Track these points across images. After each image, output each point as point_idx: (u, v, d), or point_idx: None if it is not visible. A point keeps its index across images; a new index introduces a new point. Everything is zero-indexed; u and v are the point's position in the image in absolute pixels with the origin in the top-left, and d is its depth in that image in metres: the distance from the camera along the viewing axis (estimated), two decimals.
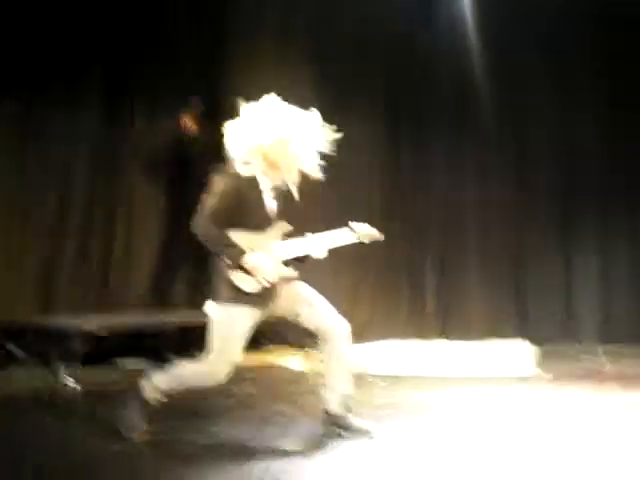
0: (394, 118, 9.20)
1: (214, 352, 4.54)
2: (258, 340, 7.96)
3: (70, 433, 4.90)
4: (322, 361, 4.75)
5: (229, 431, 4.92)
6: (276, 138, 4.56)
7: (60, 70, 7.64)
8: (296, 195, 4.69)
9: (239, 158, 4.58)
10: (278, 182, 4.66)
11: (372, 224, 4.92)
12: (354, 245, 4.87)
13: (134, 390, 4.71)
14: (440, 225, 9.32)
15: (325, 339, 4.66)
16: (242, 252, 4.50)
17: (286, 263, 4.69)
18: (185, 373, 4.67)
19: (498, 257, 9.30)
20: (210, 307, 4.61)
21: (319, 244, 4.71)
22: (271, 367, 7.31)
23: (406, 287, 9.20)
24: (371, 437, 4.68)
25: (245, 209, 4.55)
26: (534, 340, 8.66)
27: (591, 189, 9.29)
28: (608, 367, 7.42)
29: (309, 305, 4.68)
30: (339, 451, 4.48)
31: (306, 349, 7.63)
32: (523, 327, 9.08)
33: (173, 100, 8.13)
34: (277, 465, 4.20)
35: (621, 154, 9.15)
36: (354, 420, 4.76)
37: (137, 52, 8.03)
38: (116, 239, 8.05)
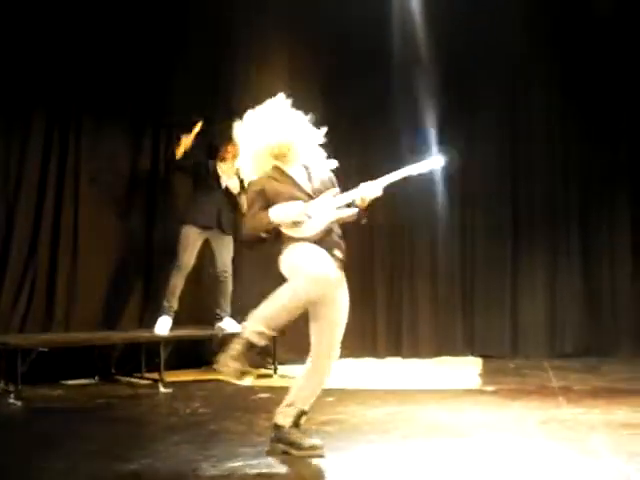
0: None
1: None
2: (206, 357, 7.98)
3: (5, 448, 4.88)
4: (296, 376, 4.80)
5: (174, 449, 4.90)
6: (281, 134, 4.67)
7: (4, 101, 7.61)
8: (329, 165, 4.80)
9: (254, 159, 4.69)
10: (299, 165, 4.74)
11: None
12: None
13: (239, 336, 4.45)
14: (390, 243, 9.37)
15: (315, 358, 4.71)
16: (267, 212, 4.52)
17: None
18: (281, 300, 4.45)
19: (446, 275, 9.37)
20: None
21: (372, 185, 4.61)
22: (218, 383, 7.29)
23: (358, 305, 9.19)
24: (319, 455, 4.67)
25: (284, 197, 4.58)
26: (481, 356, 8.77)
27: (538, 206, 9.41)
28: (554, 381, 7.51)
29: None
30: (286, 468, 4.49)
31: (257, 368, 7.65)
32: (471, 343, 9.17)
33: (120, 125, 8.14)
34: None
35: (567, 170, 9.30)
36: (302, 437, 4.74)
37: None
38: (61, 264, 7.93)
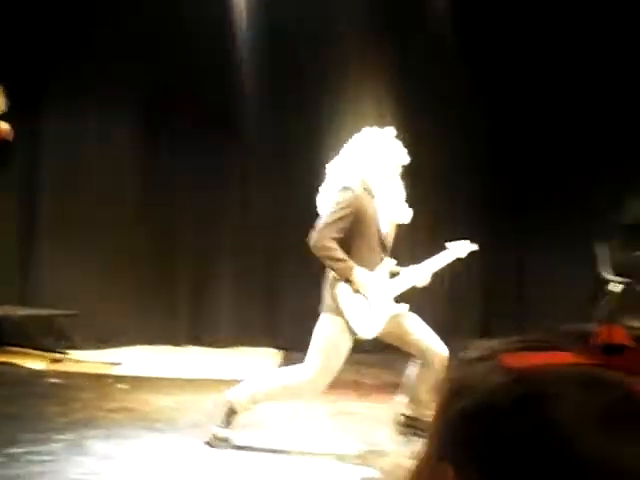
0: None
1: (319, 366, 4.86)
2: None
3: None
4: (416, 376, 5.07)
5: None
6: (380, 163, 4.98)
7: None
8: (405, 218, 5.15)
9: (356, 179, 4.95)
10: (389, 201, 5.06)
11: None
12: None
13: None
14: (194, 228, 9.34)
15: (427, 363, 4.98)
16: (352, 267, 4.79)
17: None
18: (278, 386, 4.96)
19: (250, 266, 9.44)
20: (323, 320, 4.97)
21: (422, 272, 5.09)
22: (11, 366, 7.14)
23: (158, 292, 9.17)
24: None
25: (360, 227, 4.90)
26: (282, 347, 8.91)
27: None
28: (349, 375, 7.73)
29: (414, 331, 5.04)
30: (68, 455, 4.48)
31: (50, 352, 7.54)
32: (272, 335, 9.29)
33: None
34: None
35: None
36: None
37: None
38: None
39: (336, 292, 4.88)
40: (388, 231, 5.07)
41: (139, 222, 8.98)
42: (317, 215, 5.09)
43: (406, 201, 5.17)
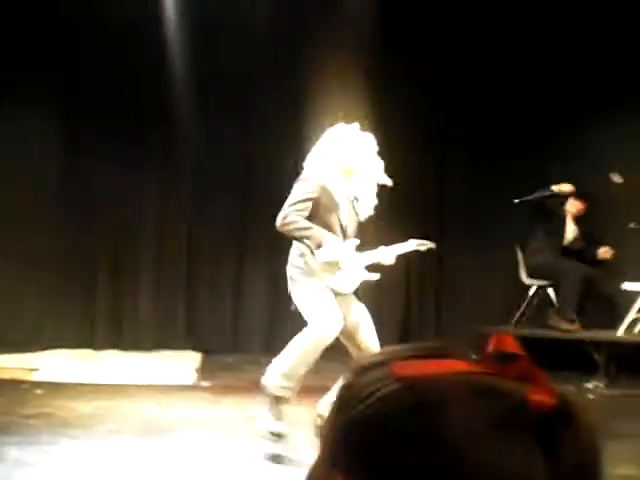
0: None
1: (316, 315, 5.01)
2: None
3: None
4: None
5: None
6: (354, 158, 5.29)
7: None
8: (364, 215, 5.42)
9: (322, 171, 5.24)
10: (352, 195, 5.37)
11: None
12: None
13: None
14: (113, 232, 9.25)
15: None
16: (323, 233, 5.09)
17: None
18: (299, 352, 5.03)
19: (170, 268, 9.40)
20: (295, 292, 5.20)
21: (388, 252, 5.45)
22: None
23: (76, 295, 9.06)
24: None
25: (320, 215, 5.18)
26: (202, 350, 8.89)
27: (266, 202, 9.62)
28: None
29: (358, 326, 5.26)
30: None
31: None
32: (192, 337, 9.26)
33: None
34: None
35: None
36: None
37: None
38: None
39: (307, 259, 5.18)
40: (349, 223, 5.34)
41: (56, 224, 8.86)
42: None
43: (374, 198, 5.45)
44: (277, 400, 5.02)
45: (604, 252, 8.51)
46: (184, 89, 9.06)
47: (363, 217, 5.43)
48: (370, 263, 5.43)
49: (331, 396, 5.19)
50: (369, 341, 5.24)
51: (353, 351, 5.25)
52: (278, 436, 4.96)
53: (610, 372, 8.08)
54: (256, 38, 9.07)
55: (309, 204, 5.14)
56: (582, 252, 8.64)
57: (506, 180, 8.92)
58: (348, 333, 5.21)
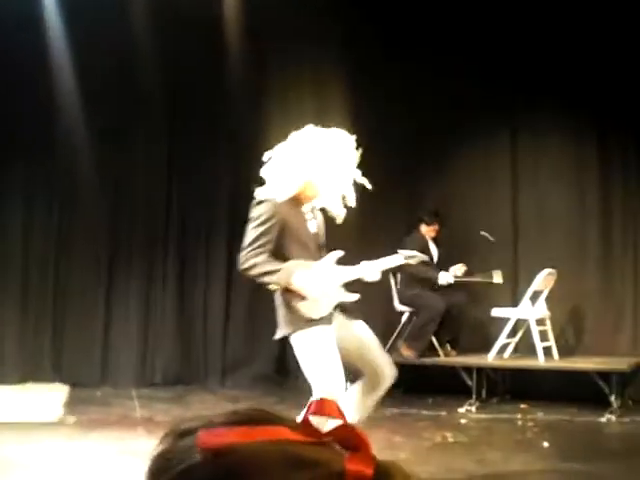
0: None
1: (321, 382, 4.63)
2: None
3: None
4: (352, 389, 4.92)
5: None
6: (320, 165, 4.76)
7: None
8: (340, 218, 4.92)
9: (280, 185, 4.73)
10: (316, 205, 4.96)
11: None
12: None
13: None
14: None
15: (371, 380, 4.89)
16: (289, 273, 4.63)
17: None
18: None
19: (37, 299, 9.17)
20: (293, 340, 4.74)
21: (371, 268, 5.02)
22: None
23: None
24: None
25: (291, 234, 4.77)
26: (70, 383, 8.67)
27: (138, 235, 9.49)
28: (139, 411, 7.59)
29: (361, 344, 4.91)
30: None
31: None
32: (59, 370, 9.02)
33: None
34: None
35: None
36: None
37: None
38: None
39: (291, 306, 4.72)
40: (316, 231, 4.96)
41: None
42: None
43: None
44: None
45: (458, 269, 8.55)
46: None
47: (339, 220, 4.96)
48: (351, 280, 5.01)
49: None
50: (379, 358, 4.98)
51: (365, 371, 4.93)
52: None
53: (481, 396, 8.22)
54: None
55: (272, 234, 4.70)
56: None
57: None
58: (356, 355, 4.90)
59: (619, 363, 7.96)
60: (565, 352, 8.50)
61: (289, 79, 9.42)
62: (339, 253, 4.91)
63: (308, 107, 8.72)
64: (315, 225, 4.97)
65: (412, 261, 5.47)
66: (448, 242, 8.83)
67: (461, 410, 7.86)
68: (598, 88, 8.62)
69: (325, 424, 0.75)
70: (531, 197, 9.05)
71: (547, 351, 8.23)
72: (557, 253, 8.70)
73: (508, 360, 8.37)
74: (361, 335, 4.95)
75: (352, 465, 0.73)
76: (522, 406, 8.02)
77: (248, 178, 9.11)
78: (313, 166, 4.77)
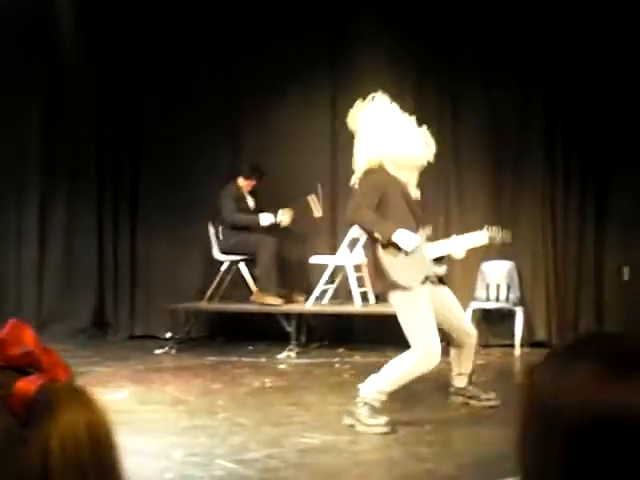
0: None
1: (421, 343, 5.17)
2: None
3: None
4: (454, 354, 5.70)
5: None
6: (403, 146, 5.37)
7: None
8: (416, 195, 5.51)
9: (373, 161, 5.35)
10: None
11: None
12: None
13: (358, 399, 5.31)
14: None
15: (461, 341, 5.59)
16: (392, 229, 5.20)
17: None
18: (401, 372, 5.24)
19: None
20: (393, 298, 5.33)
21: (459, 245, 5.60)
22: None
23: None
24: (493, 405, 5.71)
25: (392, 200, 5.31)
26: None
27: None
28: None
29: (449, 309, 5.51)
30: None
31: None
32: None
33: None
34: None
35: None
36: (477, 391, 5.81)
37: None
38: None
39: (385, 266, 5.27)
40: (418, 198, 5.54)
41: None
42: None
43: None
44: (371, 406, 5.29)
45: (283, 213, 8.54)
46: None
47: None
48: (440, 255, 5.50)
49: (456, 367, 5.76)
50: (465, 321, 5.81)
51: (457, 333, 5.56)
52: (382, 425, 5.23)
53: (300, 342, 8.34)
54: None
55: (374, 199, 5.27)
56: (275, 225, 8.68)
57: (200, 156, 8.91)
58: (449, 319, 5.48)
59: None
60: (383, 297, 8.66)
61: None
62: (427, 231, 5.47)
63: None
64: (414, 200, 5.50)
65: (497, 241, 5.90)
66: (269, 191, 8.82)
67: (281, 356, 7.96)
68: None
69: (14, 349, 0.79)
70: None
71: (364, 297, 8.37)
72: None
73: (326, 306, 8.49)
74: (451, 303, 5.56)
75: (20, 384, 0.82)
76: (340, 350, 8.21)
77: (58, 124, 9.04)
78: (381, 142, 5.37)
